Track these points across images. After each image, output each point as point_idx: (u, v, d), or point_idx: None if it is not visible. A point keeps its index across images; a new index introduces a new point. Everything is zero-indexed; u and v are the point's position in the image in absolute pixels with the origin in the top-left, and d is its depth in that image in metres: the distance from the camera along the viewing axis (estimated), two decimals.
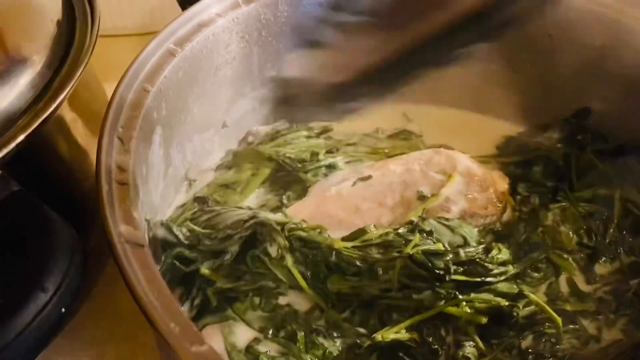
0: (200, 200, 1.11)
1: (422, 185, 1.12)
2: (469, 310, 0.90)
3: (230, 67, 1.20)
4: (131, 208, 0.80)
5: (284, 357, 0.91)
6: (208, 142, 1.23)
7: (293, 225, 0.99)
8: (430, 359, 0.90)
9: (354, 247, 0.98)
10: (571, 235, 1.10)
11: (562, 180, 1.20)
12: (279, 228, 0.98)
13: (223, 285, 0.97)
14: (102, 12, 1.04)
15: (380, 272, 0.94)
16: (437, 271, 0.92)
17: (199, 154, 1.22)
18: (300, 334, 0.93)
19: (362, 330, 0.93)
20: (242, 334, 0.95)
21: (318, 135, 1.30)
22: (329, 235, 1.00)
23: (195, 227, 1.03)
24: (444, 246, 0.97)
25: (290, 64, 1.31)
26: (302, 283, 0.96)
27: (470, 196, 1.12)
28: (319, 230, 1.00)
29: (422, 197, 1.11)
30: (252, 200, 1.15)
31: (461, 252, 0.96)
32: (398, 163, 1.16)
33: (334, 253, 0.96)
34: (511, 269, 0.98)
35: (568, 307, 1.00)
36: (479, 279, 0.94)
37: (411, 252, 0.93)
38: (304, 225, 1.00)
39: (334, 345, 0.93)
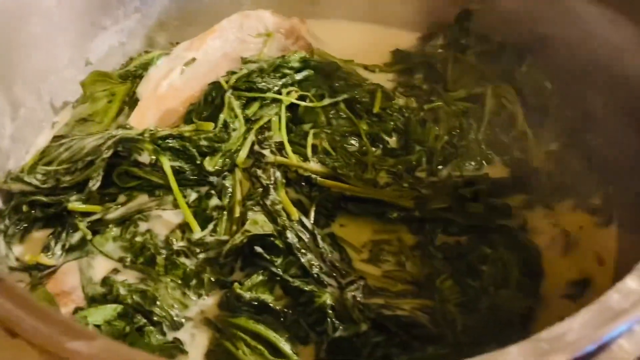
0: (57, 139, 1.05)
1: (243, 52, 1.15)
2: None
3: None
4: None
5: (142, 284, 0.87)
6: (70, 82, 1.15)
7: (153, 131, 0.97)
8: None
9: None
10: (442, 132, 1.07)
11: (438, 82, 1.16)
12: (141, 137, 0.95)
13: (93, 217, 0.94)
14: None
15: None
16: None
17: (60, 94, 1.14)
18: (160, 257, 0.89)
19: (224, 237, 0.91)
20: (101, 267, 0.91)
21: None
22: None
23: (49, 168, 0.97)
24: None
25: None
26: (173, 182, 0.94)
27: (282, 49, 1.20)
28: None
29: (246, 62, 1.12)
30: (113, 128, 1.09)
31: None
32: (214, 37, 1.16)
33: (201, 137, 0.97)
34: None
35: None
36: None
37: None
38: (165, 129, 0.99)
39: (197, 262, 0.89)
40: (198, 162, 0.97)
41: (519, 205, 0.99)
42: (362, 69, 1.26)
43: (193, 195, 0.98)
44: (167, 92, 1.10)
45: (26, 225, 0.94)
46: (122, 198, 0.97)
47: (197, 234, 0.92)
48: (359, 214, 0.97)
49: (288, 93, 1.08)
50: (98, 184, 0.95)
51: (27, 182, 0.95)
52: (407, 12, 1.34)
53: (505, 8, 1.20)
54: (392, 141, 1.09)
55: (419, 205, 0.95)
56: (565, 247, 0.95)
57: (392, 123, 1.09)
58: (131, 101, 1.13)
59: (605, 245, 0.95)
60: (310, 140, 1.05)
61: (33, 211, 0.94)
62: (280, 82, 1.08)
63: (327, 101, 1.10)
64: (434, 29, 1.32)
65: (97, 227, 0.94)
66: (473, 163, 1.05)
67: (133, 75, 1.15)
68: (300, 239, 0.92)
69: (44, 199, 0.95)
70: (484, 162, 1.06)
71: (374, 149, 1.06)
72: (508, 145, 1.07)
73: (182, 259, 0.89)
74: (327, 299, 0.84)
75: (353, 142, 1.08)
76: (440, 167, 1.04)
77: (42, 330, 0.50)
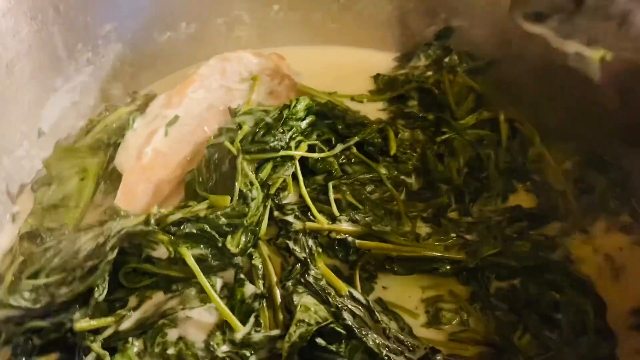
0: (29, 237, 0.85)
1: (230, 101, 1.03)
2: None
3: (27, 59, 0.92)
4: None
5: None
6: (24, 160, 0.95)
7: (160, 216, 0.82)
8: None
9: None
10: (462, 165, 1.01)
11: (442, 110, 1.10)
12: (151, 228, 0.80)
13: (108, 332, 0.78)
14: None
15: None
16: None
17: (15, 177, 0.94)
18: None
19: (274, 332, 0.79)
20: None
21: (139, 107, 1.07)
22: None
23: (38, 281, 0.79)
24: None
25: (106, 38, 1.05)
26: (200, 277, 0.79)
27: (270, 92, 1.09)
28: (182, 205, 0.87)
29: (236, 113, 0.99)
30: (92, 211, 0.92)
31: None
32: (195, 87, 1.02)
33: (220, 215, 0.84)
34: None
35: None
36: None
37: None
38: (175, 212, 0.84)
39: None
40: (220, 244, 0.83)
41: (557, 234, 0.96)
42: (349, 100, 1.17)
43: (219, 283, 0.84)
44: (153, 160, 0.94)
45: (24, 359, 0.75)
46: (133, 301, 0.82)
47: (241, 332, 0.78)
48: (406, 273, 0.89)
49: (297, 146, 0.96)
50: (105, 292, 0.78)
51: (14, 306, 0.76)
52: (378, 31, 1.26)
53: (490, 22, 1.16)
54: (413, 182, 1.01)
55: (470, 254, 0.88)
56: (614, 273, 0.92)
57: (409, 163, 1.01)
58: (107, 175, 0.96)
59: None
60: (332, 195, 0.94)
61: (29, 340, 0.76)
62: (287, 136, 0.95)
63: (339, 148, 0.99)
64: (409, 49, 1.26)
65: (114, 343, 0.77)
66: (500, 194, 1.00)
67: (105, 144, 0.97)
68: (355, 316, 0.81)
69: (39, 323, 0.76)
70: (508, 192, 1.01)
71: (397, 193, 0.98)
72: (527, 170, 1.03)
73: None
74: None
75: (374, 189, 0.99)
76: (471, 203, 0.98)
77: None
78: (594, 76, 0.88)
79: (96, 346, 0.76)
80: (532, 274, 0.89)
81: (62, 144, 0.97)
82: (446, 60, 1.20)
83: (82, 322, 0.76)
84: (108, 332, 0.78)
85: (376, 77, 1.22)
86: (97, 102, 1.09)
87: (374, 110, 1.15)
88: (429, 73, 1.19)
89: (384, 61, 1.27)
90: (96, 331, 0.78)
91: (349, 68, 1.26)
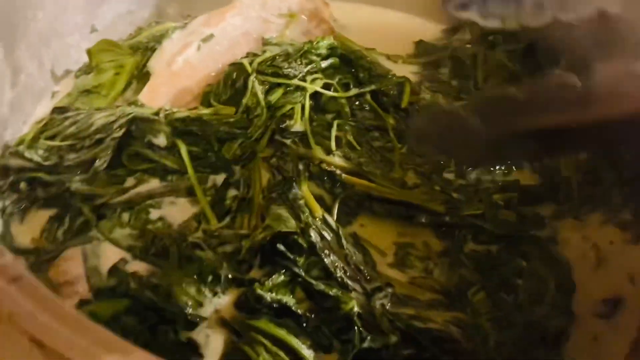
0: (59, 110, 0.96)
1: (265, 32, 1.09)
2: None
3: None
4: None
5: (154, 277, 0.79)
6: (73, 49, 1.07)
7: (169, 112, 0.91)
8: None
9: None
10: None
11: (467, 79, 1.11)
12: (157, 118, 0.88)
13: (99, 200, 0.86)
14: None
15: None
16: None
17: (62, 61, 1.05)
18: (174, 249, 0.82)
19: (243, 231, 0.84)
20: (107, 256, 0.83)
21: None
22: None
23: (53, 143, 0.89)
24: None
25: None
26: (190, 169, 0.87)
27: (305, 32, 1.14)
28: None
29: (267, 43, 1.05)
30: (120, 102, 1.01)
31: None
32: (234, 13, 1.09)
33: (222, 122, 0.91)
34: None
35: None
36: None
37: None
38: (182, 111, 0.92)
39: (213, 256, 0.82)
40: (216, 148, 0.90)
41: (549, 215, 0.95)
42: (385, 58, 1.20)
43: (209, 183, 0.91)
44: (181, 69, 1.02)
45: (26, 204, 0.86)
46: (130, 181, 0.90)
47: (214, 225, 0.85)
48: (384, 215, 0.92)
49: (313, 80, 1.01)
50: (105, 164, 0.87)
51: (28, 158, 0.86)
52: (433, 2, 1.28)
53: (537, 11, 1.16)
54: None
55: (450, 210, 0.90)
56: (596, 262, 0.91)
57: None
58: (140, 75, 1.05)
59: (637, 264, 0.92)
60: (334, 132, 0.99)
61: (34, 190, 0.86)
62: (305, 69, 1.01)
63: (353, 92, 1.03)
64: (459, 23, 1.28)
65: (103, 211, 0.86)
66: (503, 167, 1.01)
67: (144, 47, 1.07)
68: (323, 238, 0.86)
69: (45, 177, 0.86)
70: (513, 167, 1.02)
71: (399, 145, 1.01)
72: None
73: (198, 252, 0.82)
74: (354, 306, 0.78)
75: (377, 137, 1.02)
76: (469, 169, 0.99)
77: (75, 342, 0.43)
78: None
79: (87, 209, 0.85)
80: (511, 245, 0.90)
81: (106, 40, 1.07)
82: (490, 38, 1.21)
83: (80, 185, 0.86)
84: (100, 201, 0.87)
85: (418, 43, 1.24)
86: (150, 17, 1.18)
87: (405, 72, 1.16)
88: (468, 46, 1.20)
89: (430, 31, 1.29)
90: (91, 197, 0.87)
91: (393, 31, 1.29)
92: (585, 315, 0.85)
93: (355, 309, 0.78)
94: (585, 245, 0.93)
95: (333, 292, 0.80)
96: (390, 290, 0.82)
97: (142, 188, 0.89)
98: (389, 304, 0.80)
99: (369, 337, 0.76)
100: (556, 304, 0.82)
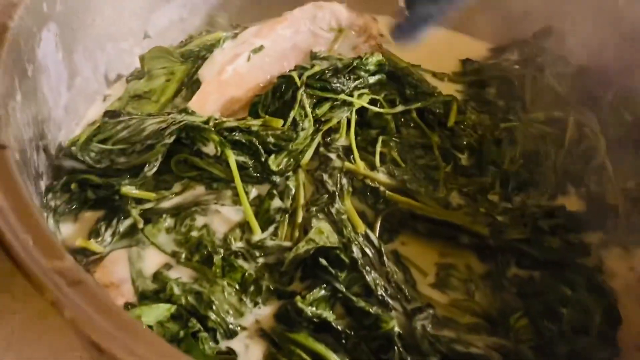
0: (111, 114, 0.98)
1: (313, 45, 1.10)
2: None
3: None
4: None
5: (197, 284, 0.80)
6: (126, 54, 1.09)
7: (219, 121, 0.92)
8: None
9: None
10: (517, 155, 1.01)
11: (515, 100, 1.10)
12: (207, 126, 0.90)
13: (146, 204, 0.88)
14: None
15: None
16: None
17: (115, 65, 1.07)
18: (217, 257, 0.82)
19: (286, 243, 0.85)
20: (152, 260, 0.84)
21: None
22: None
23: (104, 146, 0.91)
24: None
25: None
26: (237, 178, 0.88)
27: (353, 47, 1.15)
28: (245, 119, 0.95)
29: (315, 56, 1.07)
30: (170, 109, 1.03)
31: None
32: (285, 26, 1.11)
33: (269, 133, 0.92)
34: None
35: None
36: None
37: None
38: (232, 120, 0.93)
39: (255, 266, 0.83)
40: (263, 159, 0.91)
41: (595, 243, 0.93)
42: (430, 75, 1.20)
43: (253, 193, 0.92)
44: (231, 78, 1.04)
45: (76, 205, 0.88)
46: (177, 187, 0.92)
47: (258, 235, 0.86)
48: (426, 234, 0.91)
49: (360, 96, 1.02)
50: (155, 169, 0.89)
51: (80, 160, 0.88)
52: (481, 20, 1.27)
53: (591, 29, 1.14)
54: (464, 158, 1.03)
55: (494, 233, 0.89)
56: None
57: (465, 139, 1.03)
58: (190, 82, 1.07)
59: None
60: (378, 148, 0.99)
61: (84, 191, 0.88)
62: (353, 84, 1.01)
63: (400, 108, 1.04)
64: (506, 42, 1.27)
65: (150, 215, 0.88)
66: (548, 192, 0.99)
67: (195, 55, 1.09)
68: (365, 254, 0.86)
69: (96, 179, 0.88)
70: (559, 192, 1.00)
71: (444, 164, 1.00)
72: (586, 178, 1.01)
73: (241, 262, 0.83)
74: (395, 325, 0.78)
75: (422, 154, 1.02)
76: (515, 192, 0.98)
77: (132, 349, 0.44)
78: None
79: (135, 212, 0.87)
80: (556, 272, 0.88)
81: (158, 46, 1.09)
82: (539, 59, 1.19)
83: (129, 188, 0.87)
84: (148, 205, 0.88)
85: (465, 61, 1.24)
86: (201, 25, 1.20)
87: (451, 90, 1.17)
88: (516, 67, 1.19)
89: (477, 49, 1.28)
90: (139, 201, 0.88)
91: (440, 49, 1.27)
92: (631, 348, 0.83)
93: (396, 328, 0.77)
94: (631, 276, 0.91)
95: (374, 309, 0.79)
96: (431, 311, 0.81)
97: (188, 195, 0.91)
98: (430, 326, 0.79)
99: (409, 358, 0.75)
100: (601, 336, 0.81)
